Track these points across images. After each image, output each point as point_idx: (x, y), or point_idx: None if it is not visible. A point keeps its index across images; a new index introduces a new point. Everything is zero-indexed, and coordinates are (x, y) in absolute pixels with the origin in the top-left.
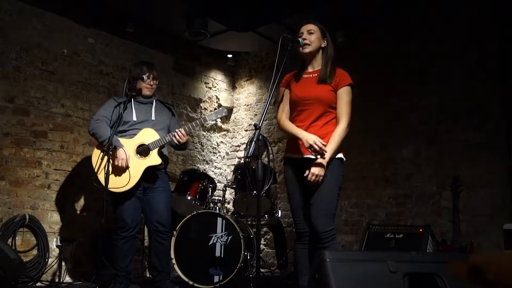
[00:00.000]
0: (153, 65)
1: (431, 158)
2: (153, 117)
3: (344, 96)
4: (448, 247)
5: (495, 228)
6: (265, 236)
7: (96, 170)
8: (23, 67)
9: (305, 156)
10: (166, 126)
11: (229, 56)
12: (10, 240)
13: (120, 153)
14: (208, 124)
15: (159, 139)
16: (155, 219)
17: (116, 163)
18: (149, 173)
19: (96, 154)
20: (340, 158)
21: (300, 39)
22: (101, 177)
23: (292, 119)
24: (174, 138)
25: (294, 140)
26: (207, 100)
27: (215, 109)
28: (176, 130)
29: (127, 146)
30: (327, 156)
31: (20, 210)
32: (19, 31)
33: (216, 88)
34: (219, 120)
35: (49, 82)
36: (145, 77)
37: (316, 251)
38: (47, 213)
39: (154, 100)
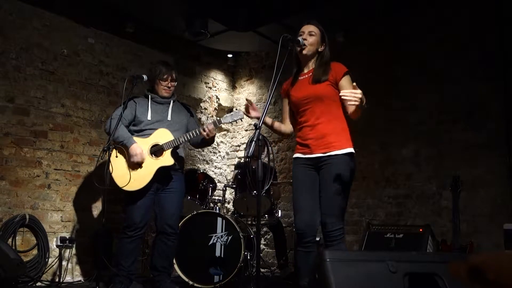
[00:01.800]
0: (172, 66)
1: (431, 158)
2: (169, 117)
3: (347, 85)
4: (448, 247)
5: (495, 228)
6: (265, 236)
7: (110, 169)
8: (23, 67)
9: (315, 155)
10: (183, 126)
11: (229, 56)
12: (10, 240)
13: (133, 149)
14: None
15: (174, 139)
16: (164, 221)
17: (131, 160)
18: (163, 173)
19: (112, 154)
20: (350, 153)
21: (300, 39)
22: (115, 176)
23: (297, 122)
24: (203, 132)
25: (302, 140)
26: (207, 100)
27: (231, 111)
28: (205, 125)
29: (141, 146)
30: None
31: (20, 210)
32: (19, 31)
33: (216, 88)
34: (223, 125)
35: (49, 82)
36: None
37: (317, 254)
38: (47, 213)
39: (172, 101)
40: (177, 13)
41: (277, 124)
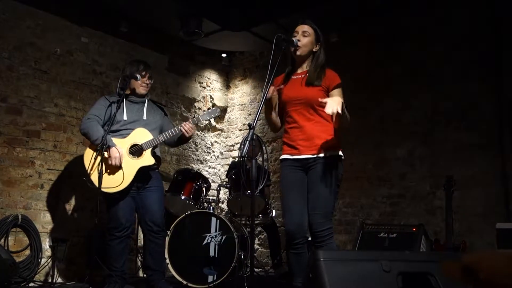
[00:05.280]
0: (149, 64)
1: (424, 157)
2: (144, 117)
3: (338, 96)
4: (442, 246)
5: (488, 228)
6: (259, 236)
7: (88, 170)
8: (16, 66)
9: (303, 156)
10: (158, 126)
11: (223, 55)
12: (2, 240)
13: (113, 151)
14: (201, 124)
15: (153, 139)
16: (149, 219)
17: (109, 162)
18: (142, 173)
19: (89, 154)
20: (339, 156)
21: (294, 39)
22: (94, 177)
23: (285, 121)
24: (182, 129)
25: (290, 141)
26: (201, 99)
27: (208, 109)
28: (184, 123)
29: (120, 146)
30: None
31: (13, 210)
32: (12, 30)
33: (210, 87)
34: (213, 120)
35: (42, 81)
36: (138, 76)
37: (309, 256)
38: (40, 213)
39: (147, 100)
40: (172, 12)
41: (274, 114)
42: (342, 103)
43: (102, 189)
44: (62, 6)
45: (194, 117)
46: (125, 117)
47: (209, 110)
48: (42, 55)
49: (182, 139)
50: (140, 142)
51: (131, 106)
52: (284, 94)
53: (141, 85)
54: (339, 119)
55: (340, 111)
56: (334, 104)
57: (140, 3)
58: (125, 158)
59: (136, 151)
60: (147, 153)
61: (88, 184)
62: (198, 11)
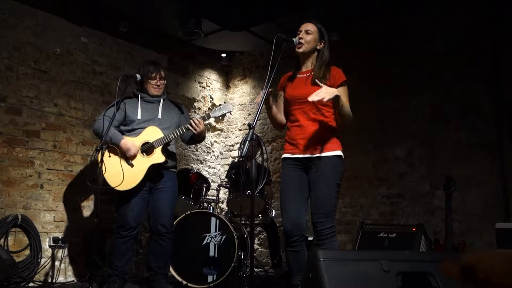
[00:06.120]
0: (160, 64)
1: (424, 157)
2: (159, 116)
3: (342, 94)
4: (441, 246)
5: (487, 228)
6: (259, 236)
7: (103, 169)
8: (15, 66)
9: (303, 155)
10: (174, 124)
11: (223, 55)
12: (2, 240)
13: (124, 144)
14: (212, 121)
15: (163, 136)
16: (158, 221)
17: (126, 155)
18: (155, 172)
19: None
20: (339, 155)
21: (295, 38)
22: (107, 176)
23: (288, 120)
24: (190, 127)
25: (292, 140)
26: (201, 99)
27: (219, 104)
28: (193, 118)
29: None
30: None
31: (12, 210)
32: (11, 30)
33: (210, 87)
34: (212, 120)
35: (41, 81)
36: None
37: (308, 254)
38: (40, 213)
39: (162, 99)
40: (171, 12)
41: (275, 110)
42: (337, 95)
43: (115, 188)
44: (62, 5)
45: (204, 113)
46: (139, 116)
47: (220, 107)
48: (42, 55)
49: (194, 138)
50: (151, 140)
51: (145, 106)
52: (287, 93)
53: (152, 87)
54: (338, 111)
55: (324, 101)
56: (321, 93)
57: (139, 3)
58: (136, 156)
59: (147, 149)
60: (158, 151)
61: (89, 184)
62: (197, 11)
